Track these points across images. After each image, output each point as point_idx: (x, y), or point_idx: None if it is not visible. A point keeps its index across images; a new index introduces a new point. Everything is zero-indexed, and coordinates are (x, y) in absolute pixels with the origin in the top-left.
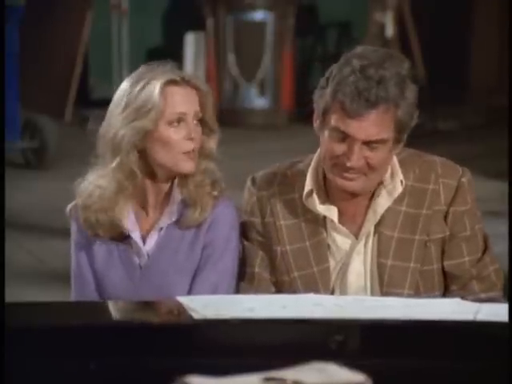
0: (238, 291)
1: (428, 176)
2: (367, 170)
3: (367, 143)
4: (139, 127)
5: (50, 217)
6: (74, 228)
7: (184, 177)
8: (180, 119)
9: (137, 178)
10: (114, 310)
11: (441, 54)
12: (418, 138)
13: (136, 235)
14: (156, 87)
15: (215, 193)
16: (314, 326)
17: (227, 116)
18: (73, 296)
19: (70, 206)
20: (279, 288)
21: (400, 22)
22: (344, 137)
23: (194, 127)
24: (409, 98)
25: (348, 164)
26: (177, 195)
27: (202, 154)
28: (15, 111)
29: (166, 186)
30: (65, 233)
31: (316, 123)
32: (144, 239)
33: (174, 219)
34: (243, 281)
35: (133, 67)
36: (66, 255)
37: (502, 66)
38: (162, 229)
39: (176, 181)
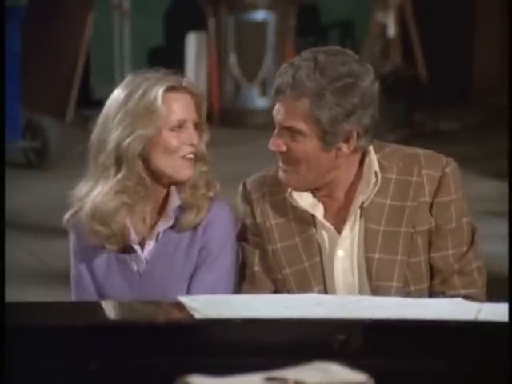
0: (239, 293)
1: (411, 168)
2: (293, 161)
3: (287, 130)
4: (143, 135)
5: (51, 217)
6: (72, 237)
7: (181, 182)
8: (180, 125)
9: (146, 184)
10: (115, 310)
11: (442, 55)
12: (419, 137)
13: (135, 243)
14: (158, 94)
15: (210, 194)
16: (316, 326)
17: (229, 116)
18: None
19: (67, 216)
20: (274, 286)
21: (402, 22)
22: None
23: (193, 133)
24: (330, 103)
25: (270, 147)
26: (175, 200)
27: (196, 157)
28: (16, 111)
29: (163, 193)
30: (67, 233)
31: None
32: (142, 245)
33: (170, 223)
34: (244, 282)
35: (135, 67)
36: (68, 255)
37: (504, 66)
38: (158, 234)
39: (173, 187)
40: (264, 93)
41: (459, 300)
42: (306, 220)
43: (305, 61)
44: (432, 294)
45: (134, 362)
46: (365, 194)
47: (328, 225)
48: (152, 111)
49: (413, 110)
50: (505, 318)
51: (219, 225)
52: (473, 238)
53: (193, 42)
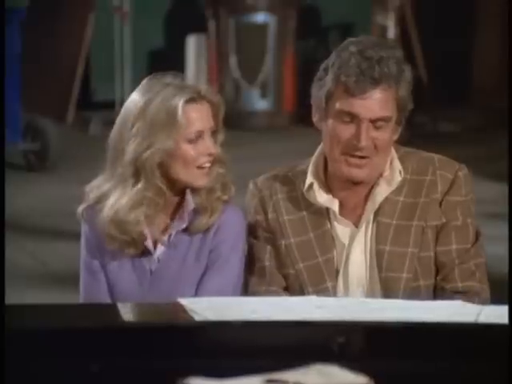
0: (246, 290)
1: (426, 169)
2: (374, 152)
3: (373, 122)
4: (162, 148)
5: (51, 219)
6: (86, 228)
7: (197, 188)
8: (198, 136)
9: (165, 194)
10: (115, 312)
11: (442, 56)
12: (419, 139)
13: (148, 242)
14: (179, 106)
15: (225, 197)
16: (316, 328)
17: (228, 118)
18: (82, 296)
19: (81, 208)
20: (286, 282)
21: (402, 24)
22: (351, 119)
23: (210, 143)
24: (407, 77)
25: (359, 145)
26: (190, 204)
27: (212, 160)
28: (16, 113)
29: (178, 197)
30: (67, 235)
31: (316, 117)
32: (154, 245)
33: (183, 226)
34: (253, 276)
35: (135, 69)
36: (69, 258)
37: (504, 67)
38: (171, 235)
39: (188, 190)
40: (264, 95)
41: (460, 302)
42: (321, 215)
43: (374, 52)
44: (434, 289)
45: (134, 365)
46: (387, 191)
47: (344, 220)
48: (171, 124)
49: (413, 111)
50: (505, 320)
51: (230, 228)
52: (477, 238)
53: (193, 44)
